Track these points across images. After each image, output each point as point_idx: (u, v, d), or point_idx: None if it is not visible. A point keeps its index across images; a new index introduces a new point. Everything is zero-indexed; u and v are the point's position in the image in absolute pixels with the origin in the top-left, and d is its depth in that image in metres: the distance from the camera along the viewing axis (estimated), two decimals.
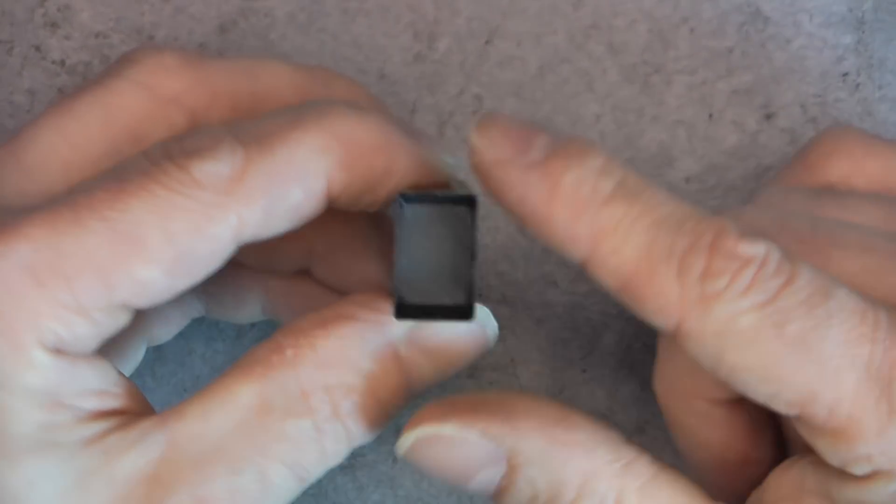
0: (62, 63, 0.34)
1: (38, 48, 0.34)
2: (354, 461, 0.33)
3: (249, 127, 0.25)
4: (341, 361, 0.26)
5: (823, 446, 0.24)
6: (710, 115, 0.34)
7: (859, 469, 0.24)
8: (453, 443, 0.26)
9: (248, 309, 0.31)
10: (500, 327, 0.29)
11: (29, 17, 0.34)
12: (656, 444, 0.33)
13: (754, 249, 0.24)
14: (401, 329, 0.26)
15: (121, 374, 0.26)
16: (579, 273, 0.31)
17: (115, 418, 0.25)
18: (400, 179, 0.26)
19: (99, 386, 0.25)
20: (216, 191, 0.24)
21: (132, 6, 0.34)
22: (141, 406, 0.26)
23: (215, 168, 0.24)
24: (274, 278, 0.31)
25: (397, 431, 0.33)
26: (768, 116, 0.34)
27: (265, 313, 0.32)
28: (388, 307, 0.26)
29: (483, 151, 0.26)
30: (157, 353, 0.34)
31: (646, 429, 0.34)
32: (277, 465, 0.25)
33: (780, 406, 0.24)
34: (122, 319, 0.25)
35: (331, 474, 0.33)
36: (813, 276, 0.24)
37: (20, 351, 0.24)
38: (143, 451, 0.24)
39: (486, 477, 0.26)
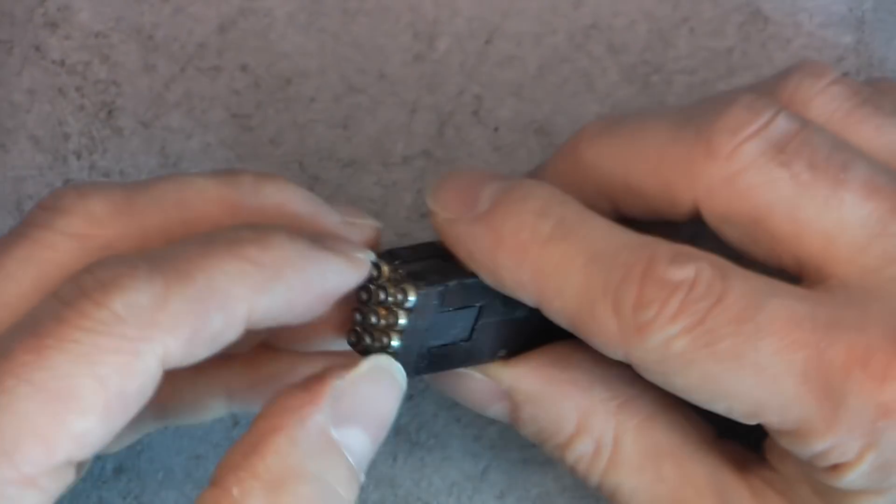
0: (62, 63, 0.34)
1: (37, 48, 0.34)
2: None
3: (163, 254, 0.25)
4: (287, 478, 0.24)
5: (788, 446, 0.26)
6: None
7: (823, 462, 0.25)
8: (462, 377, 0.29)
9: (211, 410, 0.30)
10: None
11: (29, 16, 0.34)
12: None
13: (683, 274, 0.25)
14: (323, 415, 0.25)
15: None
16: None
17: None
18: (320, 292, 0.26)
19: None
20: (139, 323, 0.23)
21: (132, 6, 0.34)
22: None
23: (136, 299, 0.23)
24: (232, 371, 0.30)
25: (397, 432, 0.34)
26: None
27: (231, 406, 0.30)
28: (310, 391, 0.26)
29: (437, 213, 0.28)
30: None
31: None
32: None
33: (740, 418, 0.25)
34: (68, 476, 0.24)
35: None
36: (745, 291, 0.25)
37: None
38: None
39: (498, 410, 0.29)
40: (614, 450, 0.28)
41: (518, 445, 0.34)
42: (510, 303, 0.28)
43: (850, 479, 0.25)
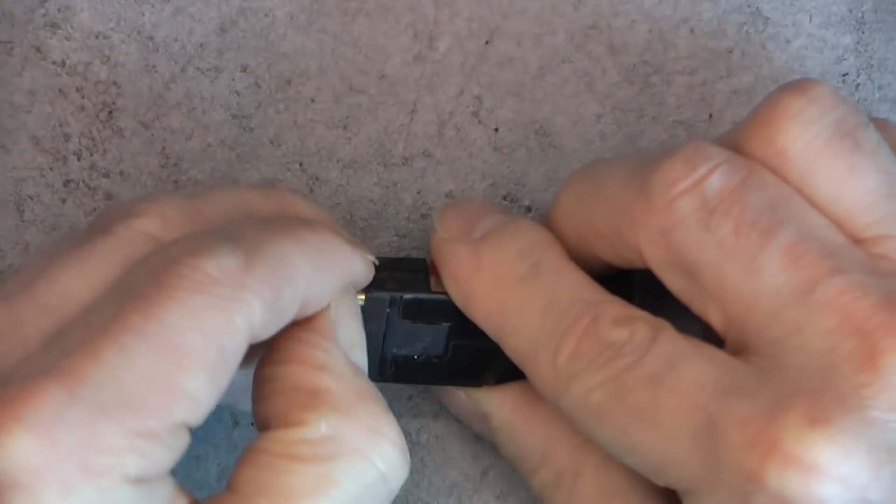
0: (63, 63, 0.34)
1: (38, 49, 0.34)
2: None
3: (229, 230, 0.26)
4: (353, 401, 0.26)
5: None
6: (710, 116, 0.34)
7: None
8: (453, 396, 0.32)
9: None
10: None
11: (29, 17, 0.34)
12: None
13: (618, 334, 0.27)
14: (340, 344, 0.27)
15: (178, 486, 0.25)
16: None
17: None
18: (352, 282, 0.28)
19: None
20: (232, 284, 0.24)
21: (132, 6, 0.34)
22: None
23: (226, 262, 0.24)
24: None
25: None
26: None
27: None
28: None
29: (436, 231, 0.30)
30: None
31: None
32: None
33: (649, 475, 0.27)
34: (185, 438, 0.24)
35: None
36: (666, 352, 0.26)
37: (105, 493, 0.23)
38: None
39: (482, 429, 0.32)
40: (573, 484, 0.29)
41: None
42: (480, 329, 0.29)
43: None
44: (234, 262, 0.24)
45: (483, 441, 0.34)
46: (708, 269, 0.26)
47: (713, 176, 0.26)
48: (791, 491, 0.24)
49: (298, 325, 0.27)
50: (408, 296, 0.30)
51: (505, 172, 0.34)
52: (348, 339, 0.27)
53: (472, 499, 0.34)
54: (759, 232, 0.26)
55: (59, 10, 0.34)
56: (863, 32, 0.34)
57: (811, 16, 0.34)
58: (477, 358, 0.31)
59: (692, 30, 0.34)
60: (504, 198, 0.34)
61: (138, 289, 0.24)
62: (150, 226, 0.27)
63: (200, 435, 0.34)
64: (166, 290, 0.24)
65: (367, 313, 0.29)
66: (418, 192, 0.34)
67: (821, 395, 0.24)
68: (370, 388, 0.26)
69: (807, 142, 0.27)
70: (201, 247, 0.25)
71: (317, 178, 0.34)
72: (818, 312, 0.25)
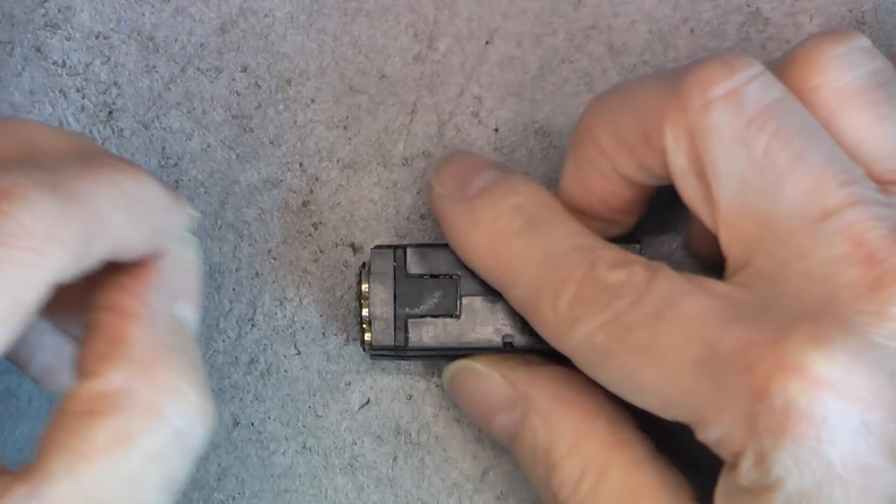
0: (63, 64, 0.34)
1: (38, 49, 0.34)
2: (354, 462, 0.33)
3: (51, 169, 0.25)
4: (158, 356, 0.25)
5: (703, 440, 0.26)
6: None
7: (725, 453, 0.26)
8: (481, 377, 0.31)
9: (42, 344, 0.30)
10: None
11: (29, 17, 0.34)
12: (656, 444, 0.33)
13: (616, 277, 0.27)
14: (162, 295, 0.26)
15: None
16: None
17: None
18: (167, 235, 0.27)
19: None
20: (45, 238, 0.23)
21: (132, 7, 0.34)
22: None
23: (42, 211, 0.23)
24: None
25: (397, 433, 0.34)
26: None
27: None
28: None
29: (433, 187, 0.31)
30: None
31: (644, 428, 0.34)
32: (152, 491, 0.25)
33: (657, 412, 0.27)
34: None
35: (331, 475, 0.34)
36: (665, 290, 0.26)
37: None
38: None
39: (504, 421, 0.30)
40: (597, 481, 0.29)
41: None
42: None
43: (743, 472, 0.25)
44: (49, 212, 0.23)
45: (483, 441, 0.34)
46: (730, 181, 0.26)
47: (752, 85, 0.26)
48: (795, 402, 0.24)
49: (124, 271, 0.26)
50: (410, 246, 0.31)
51: None
52: (176, 290, 0.27)
53: (472, 499, 0.34)
54: (791, 153, 0.26)
55: (59, 11, 0.34)
56: (863, 32, 0.34)
57: (811, 16, 0.34)
58: (491, 314, 0.31)
59: (692, 30, 0.34)
60: None
61: None
62: None
63: None
64: None
65: (374, 272, 0.30)
66: (418, 192, 0.34)
67: (822, 319, 0.25)
68: (182, 343, 0.26)
69: (842, 85, 0.27)
70: (19, 190, 0.23)
71: (317, 178, 0.34)
72: (829, 239, 0.25)
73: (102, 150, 0.29)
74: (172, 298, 0.26)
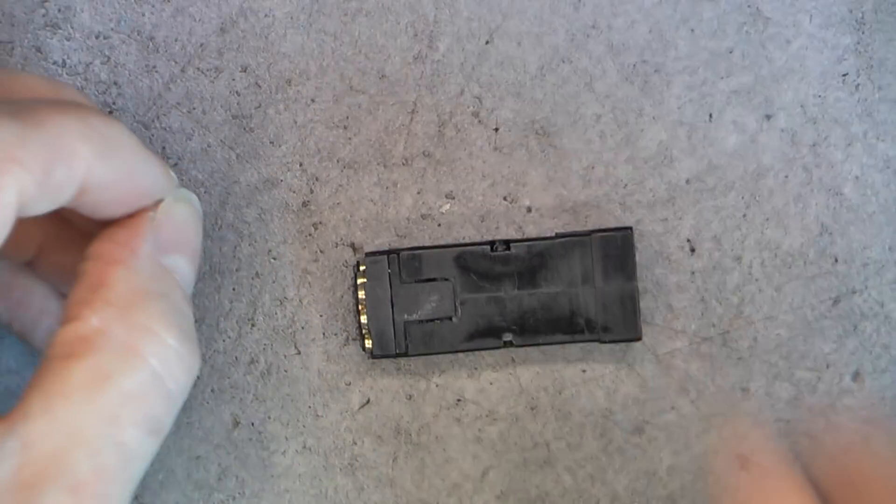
0: (63, 64, 0.34)
1: (38, 49, 0.34)
2: (354, 462, 0.34)
3: (15, 103, 0.25)
4: (137, 298, 0.26)
5: None
6: (710, 115, 0.34)
7: None
8: None
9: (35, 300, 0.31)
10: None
11: (29, 17, 0.34)
12: (656, 444, 0.33)
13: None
14: (150, 244, 0.27)
15: None
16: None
17: None
18: (143, 186, 0.27)
19: None
20: (4, 157, 0.24)
21: (132, 7, 0.34)
22: None
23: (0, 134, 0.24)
24: None
25: (397, 433, 0.34)
26: (768, 116, 0.34)
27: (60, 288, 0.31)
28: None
29: None
30: None
31: (645, 429, 0.34)
32: (131, 430, 0.25)
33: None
34: None
35: (331, 475, 0.34)
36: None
37: None
38: (1, 464, 0.24)
39: None
40: None
41: (518, 447, 0.34)
42: (489, 277, 0.30)
43: None
44: (8, 134, 0.24)
45: (483, 442, 0.34)
46: None
47: None
48: None
49: (117, 223, 0.27)
50: (404, 251, 0.31)
51: (505, 172, 0.34)
52: (169, 242, 0.27)
53: (472, 499, 0.34)
54: None
55: (59, 11, 0.34)
56: (863, 32, 0.34)
57: (811, 16, 0.34)
58: (489, 312, 0.31)
59: (692, 30, 0.34)
60: (504, 198, 0.34)
61: None
62: None
63: (201, 435, 0.34)
64: None
65: (370, 279, 0.31)
66: (418, 192, 0.34)
67: None
68: (167, 290, 0.26)
69: None
70: None
71: (317, 178, 0.34)
72: None
73: (83, 98, 0.29)
74: (164, 249, 0.27)
